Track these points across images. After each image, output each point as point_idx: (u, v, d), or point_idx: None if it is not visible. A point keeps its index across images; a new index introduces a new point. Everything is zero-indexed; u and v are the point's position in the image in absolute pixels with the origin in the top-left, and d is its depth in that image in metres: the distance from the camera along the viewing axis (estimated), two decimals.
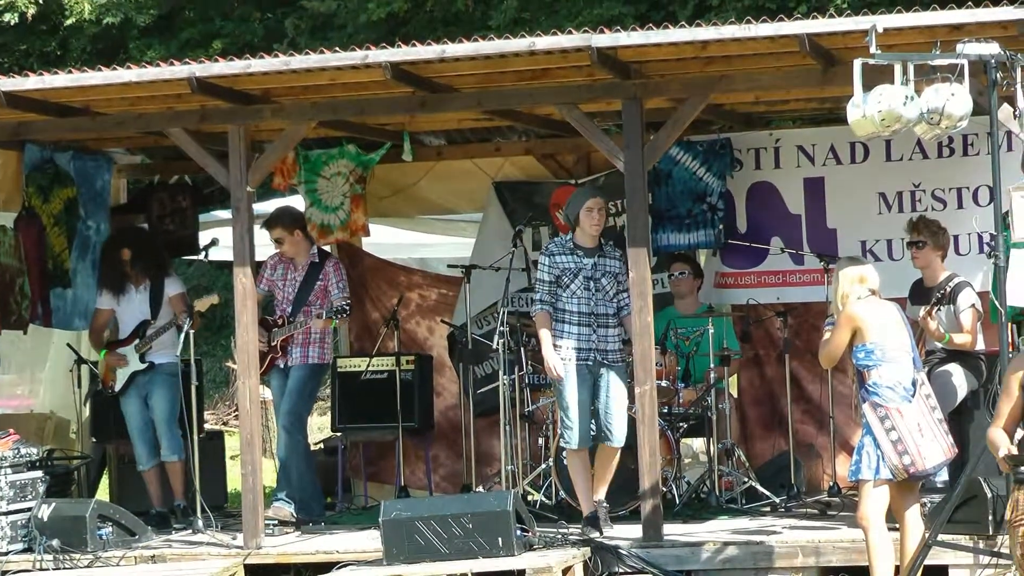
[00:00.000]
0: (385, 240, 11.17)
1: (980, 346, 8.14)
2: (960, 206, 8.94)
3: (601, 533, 8.08)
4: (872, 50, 6.45)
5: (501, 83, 8.30)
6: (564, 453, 8.36)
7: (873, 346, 6.73)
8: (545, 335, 8.14)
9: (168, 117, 8.68)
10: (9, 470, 8.54)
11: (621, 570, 7.75)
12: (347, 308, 9.10)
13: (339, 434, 10.07)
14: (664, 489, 8.38)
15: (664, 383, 8.73)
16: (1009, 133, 7.72)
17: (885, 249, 9.11)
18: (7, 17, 17.56)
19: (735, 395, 9.71)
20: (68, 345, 9.93)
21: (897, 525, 6.86)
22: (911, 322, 7.15)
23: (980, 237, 8.68)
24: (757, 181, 9.45)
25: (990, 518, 7.20)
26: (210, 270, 16.18)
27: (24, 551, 8.49)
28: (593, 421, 8.21)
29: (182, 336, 8.93)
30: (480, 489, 9.26)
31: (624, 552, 7.77)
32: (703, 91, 8.06)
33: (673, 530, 8.09)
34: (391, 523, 7.70)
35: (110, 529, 8.49)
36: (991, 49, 6.43)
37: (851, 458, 6.97)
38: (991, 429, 5.75)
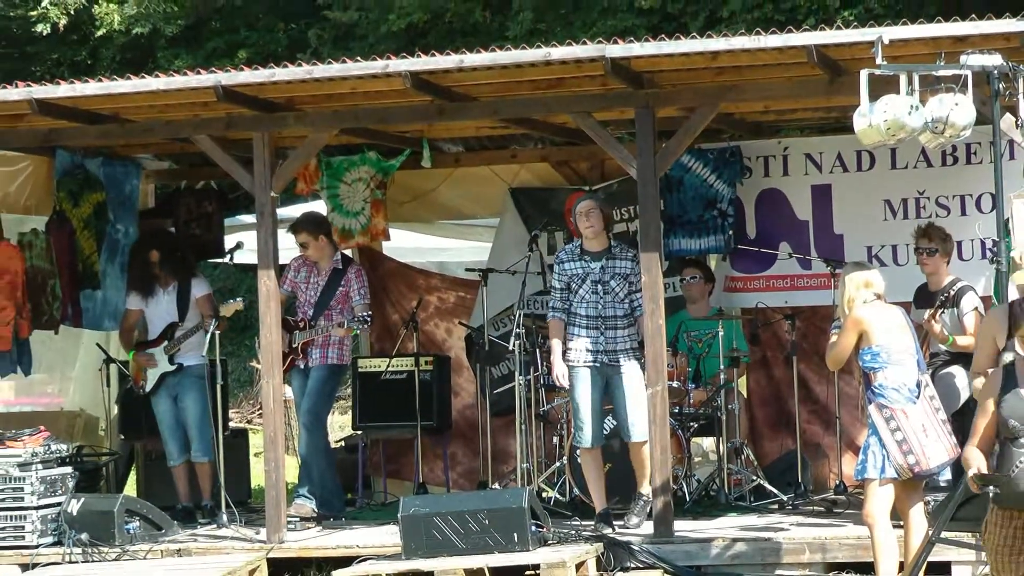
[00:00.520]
0: (405, 244, 11.24)
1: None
2: (963, 213, 8.98)
3: (613, 529, 8.12)
4: (878, 61, 6.45)
5: (517, 92, 8.34)
6: (578, 451, 8.43)
7: (879, 349, 6.75)
8: (555, 344, 8.25)
9: (195, 124, 8.72)
10: (40, 466, 8.58)
11: (633, 565, 7.77)
12: (368, 319, 9.14)
13: (360, 432, 10.11)
14: (675, 487, 8.38)
15: (675, 384, 8.76)
16: (1011, 142, 7.74)
17: (890, 254, 9.16)
18: (39, 27, 17.68)
19: (744, 396, 9.72)
20: (97, 345, 9.99)
21: (901, 523, 6.87)
22: (915, 325, 7.18)
23: (983, 243, 8.71)
24: (766, 188, 9.49)
25: None
26: (235, 273, 16.12)
27: (54, 544, 8.53)
28: (614, 419, 8.31)
29: (208, 337, 9.01)
30: (496, 486, 9.31)
31: (636, 548, 7.80)
32: (714, 100, 8.08)
33: (683, 526, 8.11)
34: (409, 519, 7.75)
35: (137, 523, 8.54)
36: (994, 60, 6.40)
37: (857, 457, 7.00)
38: (967, 447, 5.51)
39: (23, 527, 8.53)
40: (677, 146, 8.19)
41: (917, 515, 6.88)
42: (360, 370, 10.02)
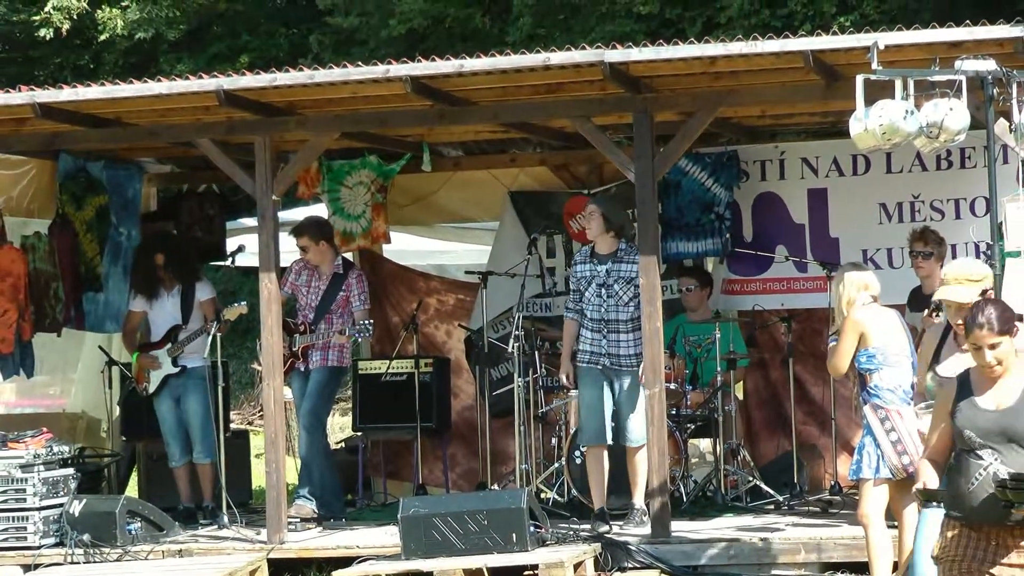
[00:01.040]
0: (405, 247, 11.25)
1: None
2: (958, 216, 9.01)
3: (610, 528, 8.16)
4: (874, 66, 6.48)
5: (517, 96, 8.38)
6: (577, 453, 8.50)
7: (875, 351, 6.80)
8: (566, 343, 8.36)
9: (196, 128, 8.75)
10: (42, 467, 8.60)
11: (630, 565, 7.80)
12: (370, 328, 9.16)
13: (360, 433, 10.14)
14: (672, 488, 8.42)
15: (672, 386, 8.81)
16: (1005, 146, 7.64)
17: (885, 257, 9.19)
18: (42, 32, 17.71)
19: (741, 397, 9.75)
20: (99, 347, 10.01)
21: (896, 523, 6.91)
22: (910, 328, 7.21)
23: (977, 246, 8.68)
24: (763, 192, 9.52)
25: None
26: (236, 276, 16.12)
27: (56, 545, 8.54)
28: (612, 421, 8.33)
29: (210, 339, 9.05)
30: (495, 487, 9.33)
31: (633, 548, 7.83)
32: (711, 105, 8.12)
33: (680, 527, 8.14)
34: (409, 519, 7.78)
35: (139, 524, 8.57)
36: (988, 66, 6.42)
37: (852, 458, 7.02)
38: (920, 459, 5.18)
39: (25, 528, 8.56)
40: (675, 150, 8.23)
41: (911, 515, 6.85)
42: (360, 372, 10.06)
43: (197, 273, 9.70)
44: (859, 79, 6.54)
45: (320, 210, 10.42)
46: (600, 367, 8.31)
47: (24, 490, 8.58)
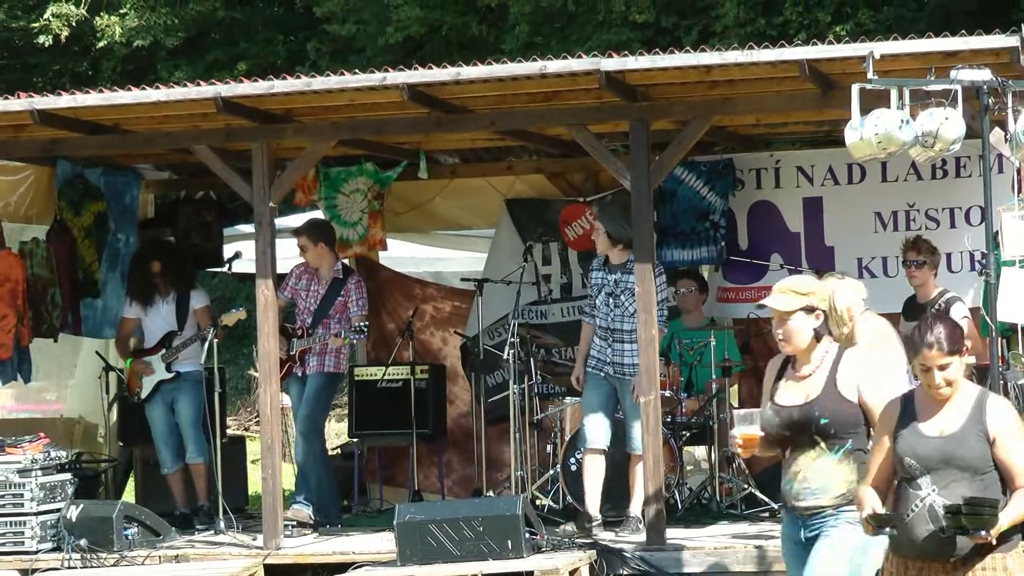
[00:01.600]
0: (401, 254, 11.28)
1: (971, 359, 8.27)
2: (953, 225, 9.06)
3: (592, 528, 8.21)
4: (869, 75, 6.50)
5: (513, 104, 8.40)
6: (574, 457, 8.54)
7: None
8: (581, 347, 8.51)
9: (194, 135, 8.75)
10: (39, 472, 8.58)
11: (625, 572, 7.82)
12: (364, 330, 9.21)
13: (356, 440, 10.14)
14: (667, 495, 8.46)
15: (668, 393, 8.82)
16: (1000, 156, 7.72)
17: (880, 266, 9.25)
18: (41, 39, 17.73)
19: (736, 404, 9.73)
20: (97, 353, 10.03)
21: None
22: (904, 337, 7.21)
23: (972, 255, 8.80)
24: (758, 200, 9.57)
25: None
26: (233, 282, 16.17)
27: (53, 550, 8.51)
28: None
29: (206, 346, 9.06)
30: (491, 493, 9.39)
31: (628, 555, 7.85)
32: (707, 113, 8.15)
33: (675, 534, 8.15)
34: (405, 525, 7.78)
35: (136, 529, 8.56)
36: (983, 75, 6.46)
37: None
38: (860, 486, 4.93)
39: (23, 533, 8.55)
40: (670, 158, 8.26)
41: None
42: (356, 378, 10.09)
43: (193, 281, 9.71)
44: (855, 88, 6.57)
45: (317, 217, 10.43)
46: (604, 375, 8.41)
47: (22, 495, 8.56)
